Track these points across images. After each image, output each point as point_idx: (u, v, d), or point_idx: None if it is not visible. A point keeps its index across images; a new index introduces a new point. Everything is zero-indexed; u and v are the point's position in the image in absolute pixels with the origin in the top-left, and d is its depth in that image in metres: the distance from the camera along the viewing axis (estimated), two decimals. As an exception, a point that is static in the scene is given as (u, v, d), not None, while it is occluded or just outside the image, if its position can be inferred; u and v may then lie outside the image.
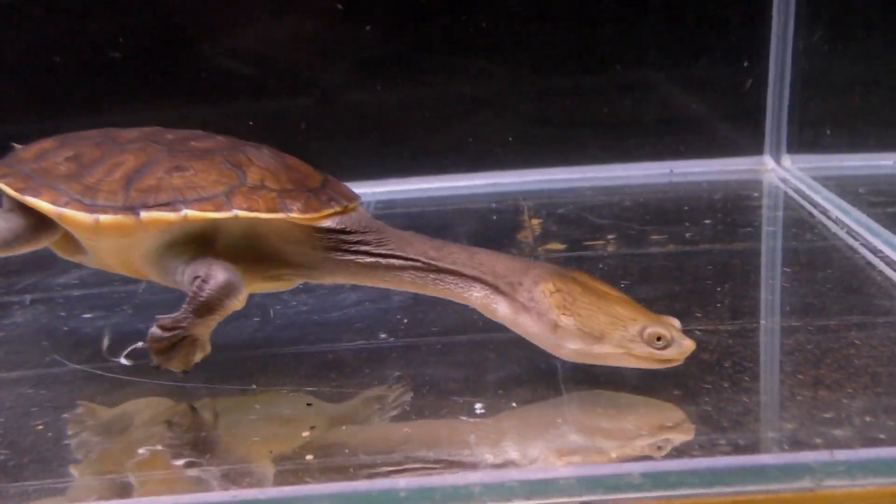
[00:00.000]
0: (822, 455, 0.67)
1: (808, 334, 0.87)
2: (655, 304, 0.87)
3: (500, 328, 0.83)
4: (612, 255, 1.12)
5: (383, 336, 0.93)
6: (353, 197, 0.85)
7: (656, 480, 0.66)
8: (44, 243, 0.88)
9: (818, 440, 0.69)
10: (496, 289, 0.79)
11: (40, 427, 0.79)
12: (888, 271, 1.01)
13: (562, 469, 0.69)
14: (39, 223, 0.85)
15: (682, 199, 1.33)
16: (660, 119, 1.44)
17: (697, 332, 0.86)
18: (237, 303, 0.79)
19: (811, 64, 1.36)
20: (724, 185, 1.37)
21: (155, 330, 0.78)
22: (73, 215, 0.80)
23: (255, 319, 0.97)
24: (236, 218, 0.78)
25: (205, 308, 0.77)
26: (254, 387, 0.83)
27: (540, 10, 1.39)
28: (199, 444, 0.77)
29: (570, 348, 0.76)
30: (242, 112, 1.40)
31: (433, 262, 0.81)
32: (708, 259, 1.09)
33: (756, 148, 1.43)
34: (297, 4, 1.38)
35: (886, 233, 1.09)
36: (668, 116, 1.44)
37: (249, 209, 0.78)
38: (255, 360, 0.89)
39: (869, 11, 1.32)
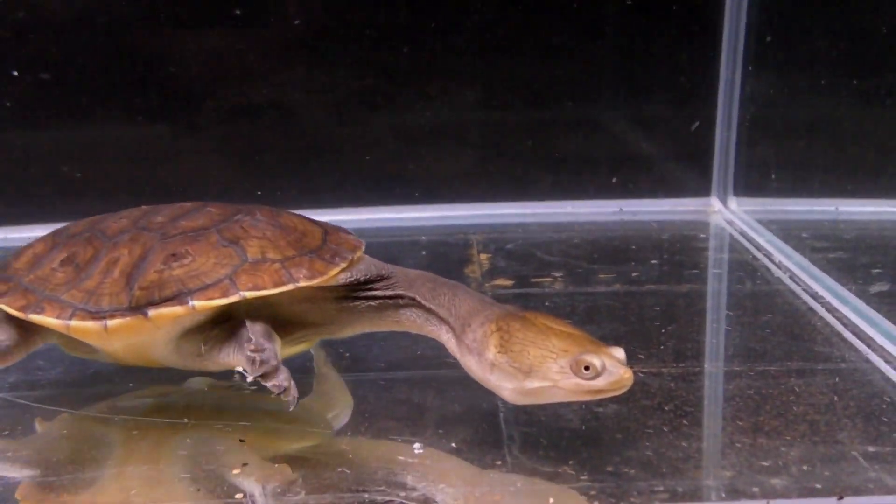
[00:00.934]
0: (758, 504, 0.67)
1: (749, 379, 0.88)
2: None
3: (442, 366, 0.81)
4: (558, 293, 1.11)
5: (323, 371, 0.91)
6: (357, 245, 0.83)
7: (594, 527, 0.65)
8: (41, 343, 0.86)
9: (755, 489, 0.69)
10: (454, 330, 0.78)
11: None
12: (828, 317, 1.02)
13: (499, 513, 0.68)
14: (35, 326, 0.82)
15: (631, 238, 1.33)
16: (610, 157, 1.45)
17: (640, 374, 0.86)
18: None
19: (758, 108, 1.38)
20: (672, 225, 1.38)
21: (251, 364, 0.76)
22: (81, 326, 0.79)
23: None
24: (244, 299, 0.77)
25: (262, 331, 0.78)
26: (185, 420, 0.81)
27: (493, 45, 1.39)
28: (124, 480, 0.74)
29: (507, 388, 0.73)
30: (200, 133, 1.38)
31: (424, 303, 0.80)
32: (654, 300, 1.10)
33: (704, 189, 1.44)
34: (256, 31, 1.36)
35: (828, 278, 1.10)
36: (619, 155, 1.45)
37: (255, 287, 0.77)
38: (190, 392, 0.87)
39: (816, 58, 1.35)
